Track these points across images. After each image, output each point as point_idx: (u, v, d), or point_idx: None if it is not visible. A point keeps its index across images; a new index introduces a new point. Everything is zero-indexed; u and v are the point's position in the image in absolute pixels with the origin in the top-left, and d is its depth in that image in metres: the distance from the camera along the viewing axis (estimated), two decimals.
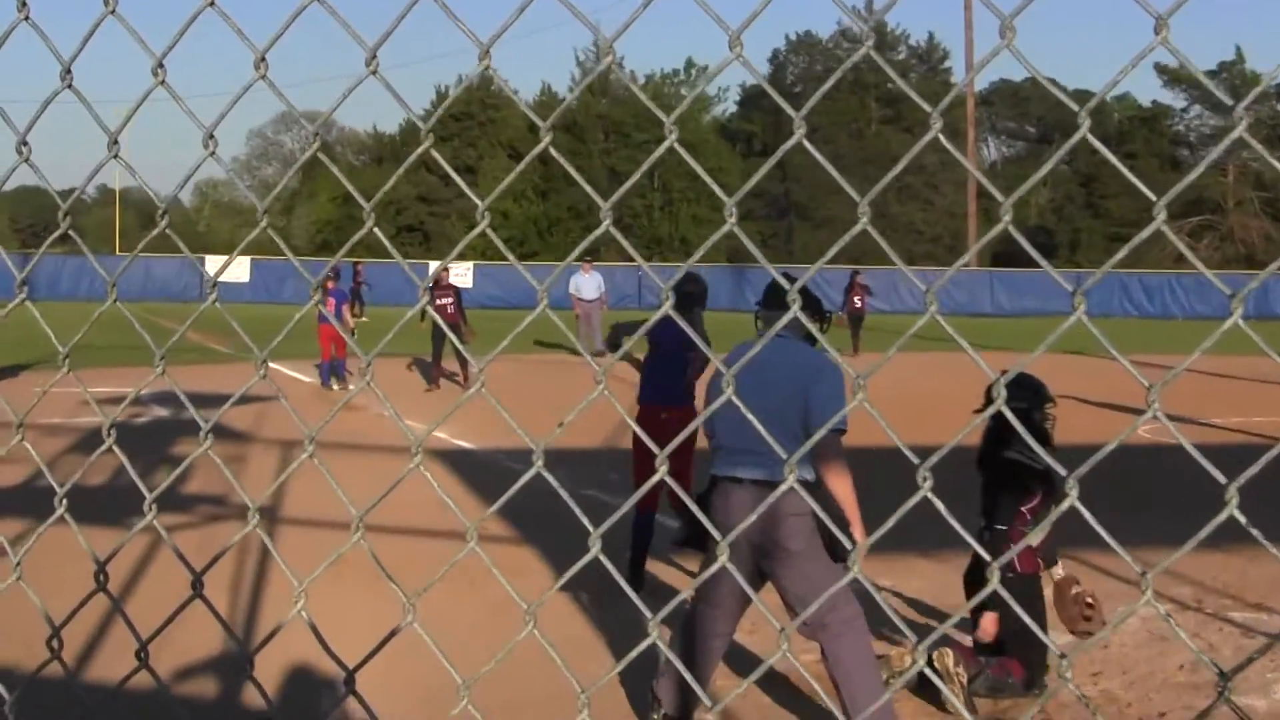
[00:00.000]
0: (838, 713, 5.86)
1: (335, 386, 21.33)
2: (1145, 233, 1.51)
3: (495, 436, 15.26)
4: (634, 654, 1.77)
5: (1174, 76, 70.55)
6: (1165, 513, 8.11)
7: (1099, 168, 70.62)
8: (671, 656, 1.82)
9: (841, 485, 5.96)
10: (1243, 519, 1.48)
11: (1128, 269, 55.52)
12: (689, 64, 74.19)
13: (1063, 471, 1.58)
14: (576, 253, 1.75)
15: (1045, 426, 6.81)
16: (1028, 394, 6.76)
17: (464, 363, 22.16)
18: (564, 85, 75.56)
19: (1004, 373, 1.78)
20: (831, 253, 1.62)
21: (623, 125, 70.28)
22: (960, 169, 64.88)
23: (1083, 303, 1.49)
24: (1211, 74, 70.40)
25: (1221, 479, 1.48)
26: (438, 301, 21.45)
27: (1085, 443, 1.58)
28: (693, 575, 8.99)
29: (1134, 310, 55.64)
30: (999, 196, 1.48)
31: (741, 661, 7.29)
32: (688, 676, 1.77)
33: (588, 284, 30.14)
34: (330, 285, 22.09)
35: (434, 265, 36.75)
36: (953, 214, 70.41)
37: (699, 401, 8.63)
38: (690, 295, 9.01)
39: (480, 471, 13.29)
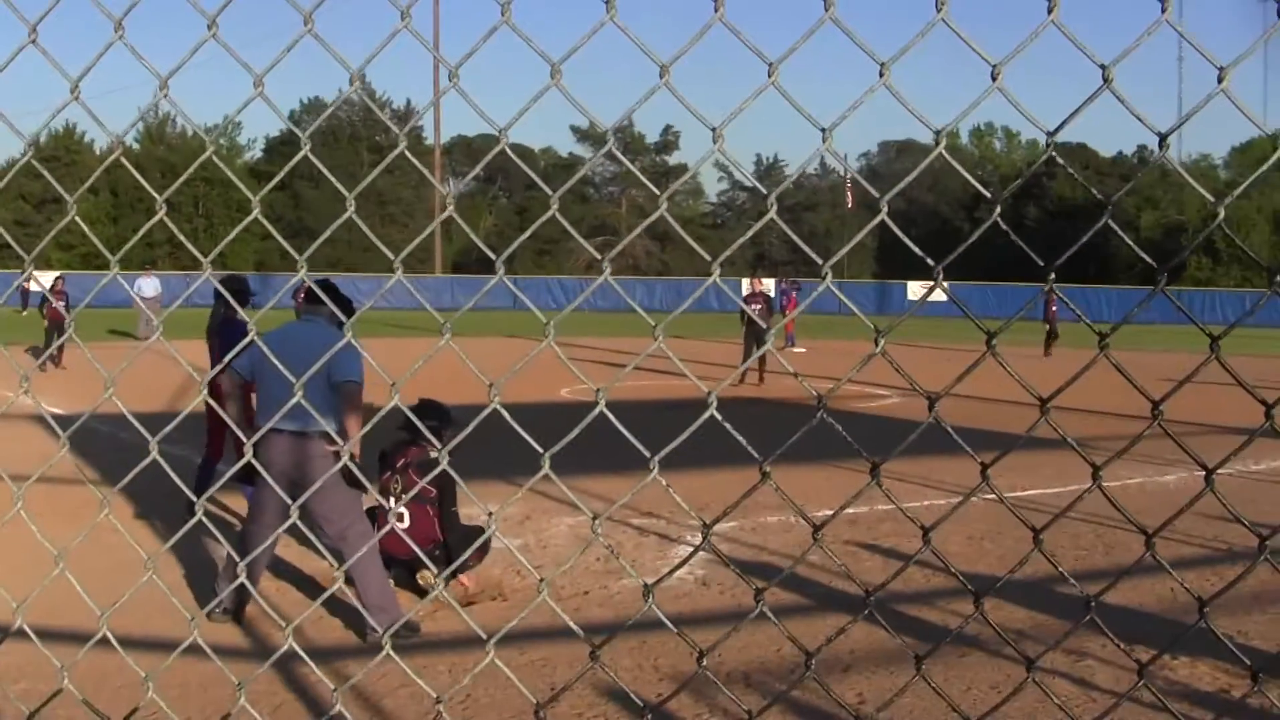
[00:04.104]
0: (356, 602, 6.21)
1: None
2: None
3: (85, 404, 14.20)
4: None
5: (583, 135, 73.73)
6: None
7: None
8: (231, 552, 1.87)
9: (352, 425, 6.24)
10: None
11: None
12: None
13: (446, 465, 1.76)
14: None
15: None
16: (436, 410, 7.10)
17: (61, 350, 22.74)
18: None
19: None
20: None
21: None
22: None
23: None
24: None
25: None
26: (54, 304, 22.57)
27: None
28: (241, 515, 8.82)
29: None
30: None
31: (282, 568, 7.50)
32: (244, 577, 1.83)
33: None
34: None
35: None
36: None
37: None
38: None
39: (81, 435, 12.25)
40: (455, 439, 1.84)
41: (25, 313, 34.76)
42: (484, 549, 7.15)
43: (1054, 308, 28.26)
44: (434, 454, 7.22)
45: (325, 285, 6.51)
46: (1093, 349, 1.39)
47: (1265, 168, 1.36)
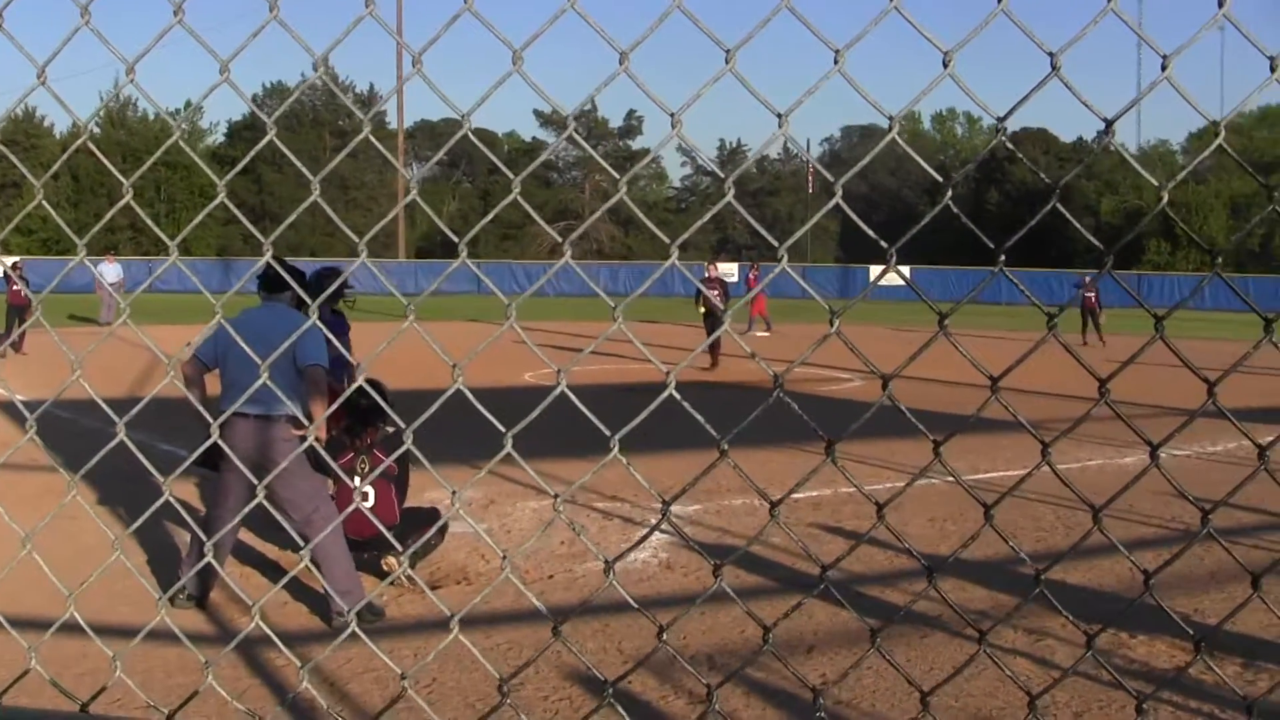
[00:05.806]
0: (321, 586, 6.29)
1: None
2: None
3: (46, 390, 14.09)
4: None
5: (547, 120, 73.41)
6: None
7: None
8: (200, 534, 1.87)
9: (317, 409, 6.18)
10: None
11: None
12: None
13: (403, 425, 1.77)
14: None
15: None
16: (378, 388, 7.18)
17: (23, 335, 22.65)
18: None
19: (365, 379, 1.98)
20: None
21: None
22: None
23: None
24: None
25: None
26: (15, 288, 22.65)
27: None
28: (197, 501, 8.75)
29: None
30: None
31: (244, 553, 7.50)
32: (210, 557, 1.84)
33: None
34: None
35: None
36: None
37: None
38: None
39: (40, 421, 12.11)
40: (419, 419, 1.83)
41: None
42: (442, 530, 7.19)
43: (1090, 293, 26.56)
44: (391, 431, 7.24)
45: (283, 266, 6.45)
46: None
47: (1205, 154, 1.39)
